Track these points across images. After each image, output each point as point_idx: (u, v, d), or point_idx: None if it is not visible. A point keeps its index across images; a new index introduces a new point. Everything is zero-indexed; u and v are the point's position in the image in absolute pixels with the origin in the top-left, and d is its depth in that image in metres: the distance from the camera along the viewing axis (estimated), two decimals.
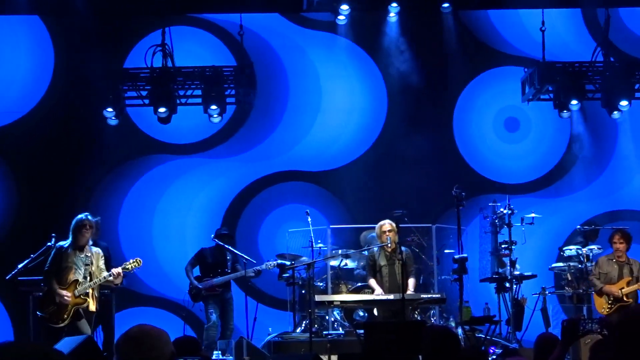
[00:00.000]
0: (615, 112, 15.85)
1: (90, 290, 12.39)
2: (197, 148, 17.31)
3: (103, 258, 12.64)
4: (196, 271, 14.55)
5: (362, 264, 14.70)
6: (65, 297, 12.27)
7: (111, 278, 12.44)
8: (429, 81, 17.17)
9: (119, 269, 12.51)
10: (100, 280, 12.38)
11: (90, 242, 12.67)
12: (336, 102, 17.48)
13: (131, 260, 12.78)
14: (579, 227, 15.36)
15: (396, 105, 17.39)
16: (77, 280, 12.34)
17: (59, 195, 16.59)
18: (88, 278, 12.39)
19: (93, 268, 12.42)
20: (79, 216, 12.56)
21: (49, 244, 13.25)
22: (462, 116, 17.59)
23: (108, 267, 12.85)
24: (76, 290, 12.32)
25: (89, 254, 12.48)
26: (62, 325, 12.29)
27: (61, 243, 12.57)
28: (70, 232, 12.47)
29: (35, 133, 16.81)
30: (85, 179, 16.88)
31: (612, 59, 15.88)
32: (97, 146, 16.81)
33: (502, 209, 14.98)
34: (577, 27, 17.56)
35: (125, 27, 17.00)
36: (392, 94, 17.37)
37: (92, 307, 12.44)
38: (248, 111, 17.16)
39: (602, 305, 13.74)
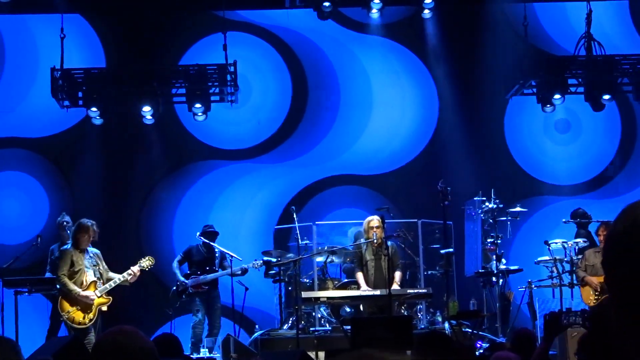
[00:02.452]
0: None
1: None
2: (250, 154, 17.42)
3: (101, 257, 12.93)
4: (185, 268, 14.60)
5: (348, 259, 14.73)
6: (91, 297, 12.63)
7: (130, 277, 12.73)
8: (479, 83, 17.04)
9: (137, 268, 12.77)
10: (119, 279, 12.71)
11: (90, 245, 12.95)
12: (387, 104, 17.56)
13: (145, 258, 13.02)
14: (564, 220, 15.36)
15: (448, 108, 17.47)
16: (95, 281, 12.68)
17: (114, 202, 16.76)
18: (99, 278, 12.66)
19: (100, 268, 12.72)
20: (84, 220, 12.83)
21: (34, 245, 13.41)
22: (513, 118, 17.63)
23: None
24: (97, 291, 12.67)
25: (92, 255, 12.75)
26: (88, 324, 12.54)
27: (65, 246, 12.85)
28: (72, 235, 12.78)
29: (89, 139, 16.87)
30: (139, 185, 17.08)
31: (595, 53, 15.91)
32: (151, 152, 17.02)
33: (487, 204, 15.00)
34: (624, 20, 17.66)
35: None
36: (443, 96, 17.44)
37: (104, 307, 12.76)
38: (300, 116, 17.37)
39: (588, 297, 13.78)
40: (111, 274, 12.91)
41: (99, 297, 12.67)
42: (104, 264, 12.94)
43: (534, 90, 16.16)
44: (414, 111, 17.59)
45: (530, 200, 16.75)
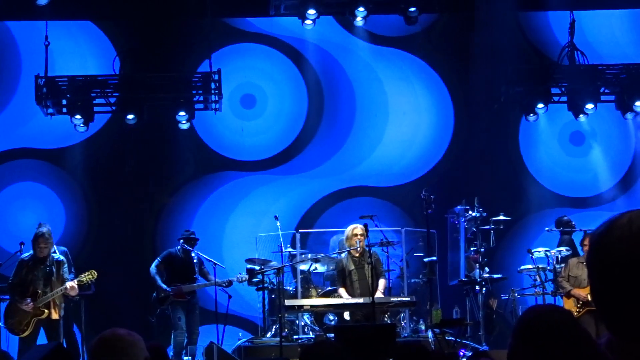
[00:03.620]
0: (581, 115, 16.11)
1: (51, 301, 12.46)
2: (266, 165, 17.46)
3: (65, 264, 12.70)
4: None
5: (331, 267, 14.72)
6: (27, 308, 12.45)
7: (67, 290, 12.52)
8: (494, 94, 16.95)
9: (73, 282, 12.55)
10: (56, 292, 12.45)
11: (54, 250, 12.74)
12: (402, 116, 17.64)
13: (86, 273, 12.80)
14: (547, 229, 15.40)
15: (462, 120, 17.56)
16: (37, 292, 12.41)
17: (129, 213, 16.80)
18: (48, 289, 12.47)
19: (54, 278, 12.47)
20: (38, 229, 12.68)
21: (17, 253, 13.34)
22: (529, 131, 17.67)
23: (69, 271, 13.09)
24: (36, 302, 12.41)
25: (51, 264, 12.55)
26: (24, 335, 12.41)
27: (24, 255, 12.69)
28: (32, 245, 12.62)
29: (105, 149, 17.02)
30: (155, 196, 17.12)
31: (580, 62, 16.01)
32: (167, 163, 17.15)
33: (471, 212, 15.03)
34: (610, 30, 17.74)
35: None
36: (459, 107, 17.49)
37: (55, 315, 12.58)
38: (316, 128, 17.43)
39: (571, 308, 13.79)
40: (62, 286, 12.66)
41: (35, 309, 12.49)
42: (64, 271, 12.66)
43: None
44: (429, 123, 17.70)
45: (547, 212, 16.86)
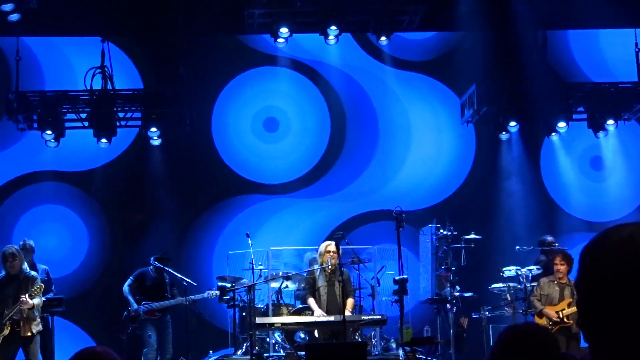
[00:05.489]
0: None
1: (22, 318, 12.34)
2: (289, 188, 17.58)
3: (37, 280, 12.58)
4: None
5: (302, 285, 14.68)
6: None
7: (20, 305, 12.36)
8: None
9: (25, 297, 12.36)
10: (13, 309, 12.31)
11: (26, 267, 12.64)
12: (424, 142, 17.80)
13: (35, 287, 12.62)
14: (517, 248, 15.43)
15: (485, 142, 17.65)
16: (2, 312, 12.31)
17: (152, 235, 16.70)
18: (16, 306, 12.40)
19: (23, 295, 12.34)
20: (4, 248, 12.64)
21: None
22: (549, 156, 17.84)
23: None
24: (1, 319, 12.38)
25: (23, 281, 12.45)
26: None
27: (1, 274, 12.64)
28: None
29: (126, 172, 17.17)
30: (177, 219, 17.17)
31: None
32: (189, 186, 17.26)
33: (442, 231, 15.05)
34: None
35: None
36: (480, 132, 17.53)
37: (25, 332, 12.41)
38: (339, 150, 17.55)
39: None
40: (34, 300, 12.51)
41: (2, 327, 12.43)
42: (35, 288, 12.50)
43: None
44: (450, 147, 17.85)
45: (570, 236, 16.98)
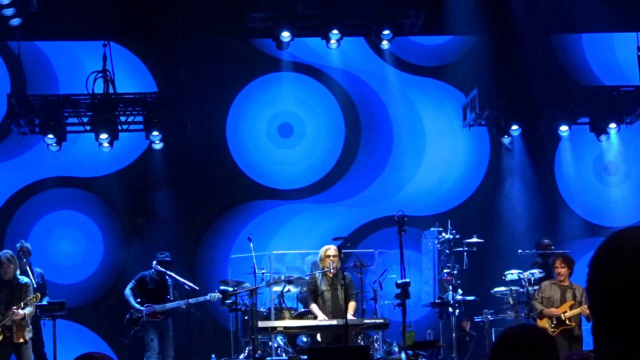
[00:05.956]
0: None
1: (15, 324, 12.32)
2: (304, 193, 17.61)
3: (30, 287, 12.54)
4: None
5: (304, 288, 14.66)
6: None
7: (12, 316, 12.34)
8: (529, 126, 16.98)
9: (15, 308, 12.33)
10: (4, 319, 12.30)
11: (18, 273, 12.61)
12: (438, 147, 17.82)
13: (31, 296, 12.60)
14: (520, 251, 15.42)
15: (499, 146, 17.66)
16: None
17: (167, 241, 16.60)
18: (10, 313, 12.36)
19: (16, 302, 12.30)
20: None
21: None
22: (563, 162, 17.86)
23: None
24: None
25: (16, 288, 12.42)
26: None
27: None
28: None
29: (141, 178, 17.18)
30: (193, 225, 17.27)
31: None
32: (204, 191, 17.31)
33: (444, 234, 15.04)
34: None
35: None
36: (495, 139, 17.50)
37: (18, 339, 12.36)
38: (354, 156, 17.60)
39: (545, 328, 13.82)
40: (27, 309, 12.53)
41: None
42: (29, 294, 12.48)
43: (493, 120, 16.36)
44: (465, 151, 17.85)
45: (586, 241, 16.96)
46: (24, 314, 12.35)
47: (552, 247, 15.31)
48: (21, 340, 12.43)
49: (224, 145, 17.54)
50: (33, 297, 12.47)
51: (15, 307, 12.26)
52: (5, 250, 12.91)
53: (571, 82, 17.48)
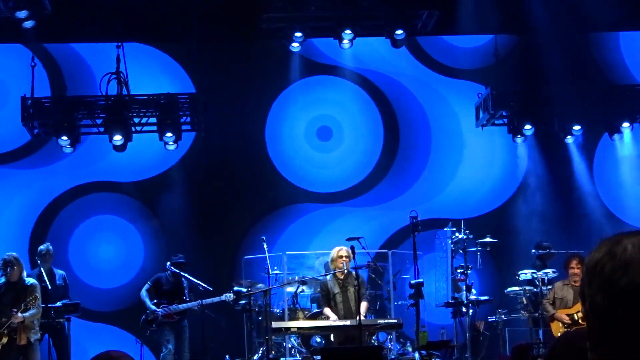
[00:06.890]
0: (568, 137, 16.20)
1: (19, 326, 12.35)
2: (342, 197, 17.65)
3: (37, 290, 12.53)
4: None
5: (318, 290, 14.68)
6: None
7: (15, 321, 12.39)
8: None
9: (15, 310, 12.38)
10: (6, 322, 12.33)
11: (25, 275, 12.64)
12: (477, 148, 17.78)
13: (30, 298, 12.63)
14: (534, 251, 15.42)
15: (535, 151, 17.63)
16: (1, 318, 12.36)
17: (207, 245, 16.87)
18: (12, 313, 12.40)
19: (23, 303, 12.32)
20: (5, 255, 12.67)
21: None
22: (602, 164, 17.85)
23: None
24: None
25: (22, 290, 12.45)
26: None
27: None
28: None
29: (181, 182, 17.26)
30: (232, 229, 17.29)
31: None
32: (244, 195, 17.36)
33: (457, 234, 15.03)
34: None
35: None
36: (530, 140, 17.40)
37: (21, 340, 12.38)
38: (392, 159, 17.68)
39: (558, 330, 13.80)
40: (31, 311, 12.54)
41: None
42: (36, 295, 12.49)
43: (505, 120, 16.34)
44: (504, 154, 17.81)
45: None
46: (23, 317, 12.37)
47: (551, 250, 15.31)
48: (24, 342, 12.42)
49: (263, 147, 17.58)
50: (33, 298, 12.50)
51: (15, 310, 12.30)
52: (10, 252, 12.92)
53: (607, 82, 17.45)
